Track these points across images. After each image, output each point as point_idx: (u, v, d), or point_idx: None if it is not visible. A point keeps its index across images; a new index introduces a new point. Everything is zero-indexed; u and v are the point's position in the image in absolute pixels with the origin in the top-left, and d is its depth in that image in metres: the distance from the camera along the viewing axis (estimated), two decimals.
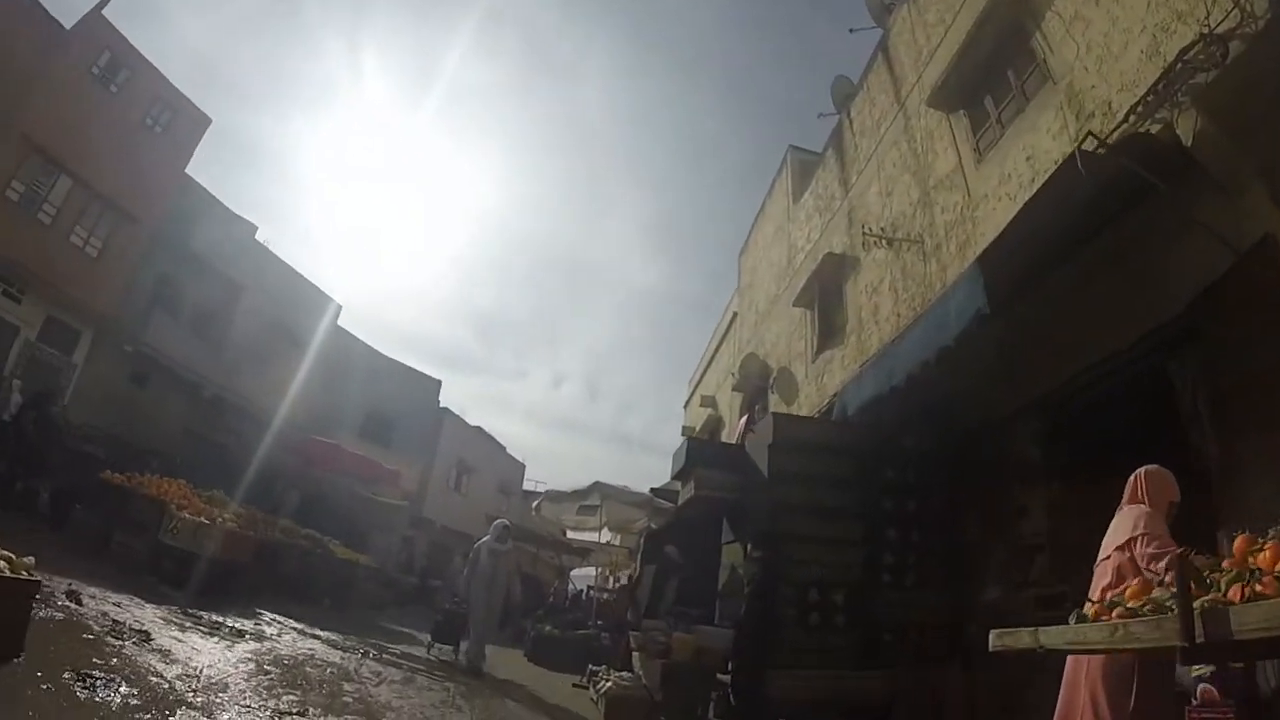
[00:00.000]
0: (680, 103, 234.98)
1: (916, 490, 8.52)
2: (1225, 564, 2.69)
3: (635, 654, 10.50)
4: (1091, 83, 6.42)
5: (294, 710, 5.29)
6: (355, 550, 17.88)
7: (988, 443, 7.70)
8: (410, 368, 33.14)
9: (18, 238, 16.71)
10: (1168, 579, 2.90)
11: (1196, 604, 2.48)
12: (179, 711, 4.38)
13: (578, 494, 16.77)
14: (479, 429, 36.48)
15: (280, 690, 5.80)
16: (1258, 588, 2.47)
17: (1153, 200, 5.53)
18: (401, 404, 30.80)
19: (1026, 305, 6.62)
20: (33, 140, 16.98)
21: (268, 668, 6.53)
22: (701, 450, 11.76)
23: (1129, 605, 2.94)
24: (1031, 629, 3.46)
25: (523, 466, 40.05)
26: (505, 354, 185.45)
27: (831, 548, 8.23)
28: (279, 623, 9.70)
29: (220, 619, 8.27)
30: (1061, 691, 3.88)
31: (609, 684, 9.43)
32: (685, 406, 24.09)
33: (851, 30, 12.89)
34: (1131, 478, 4.11)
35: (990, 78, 8.43)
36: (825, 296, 12.40)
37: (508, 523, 11.93)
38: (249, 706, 5.01)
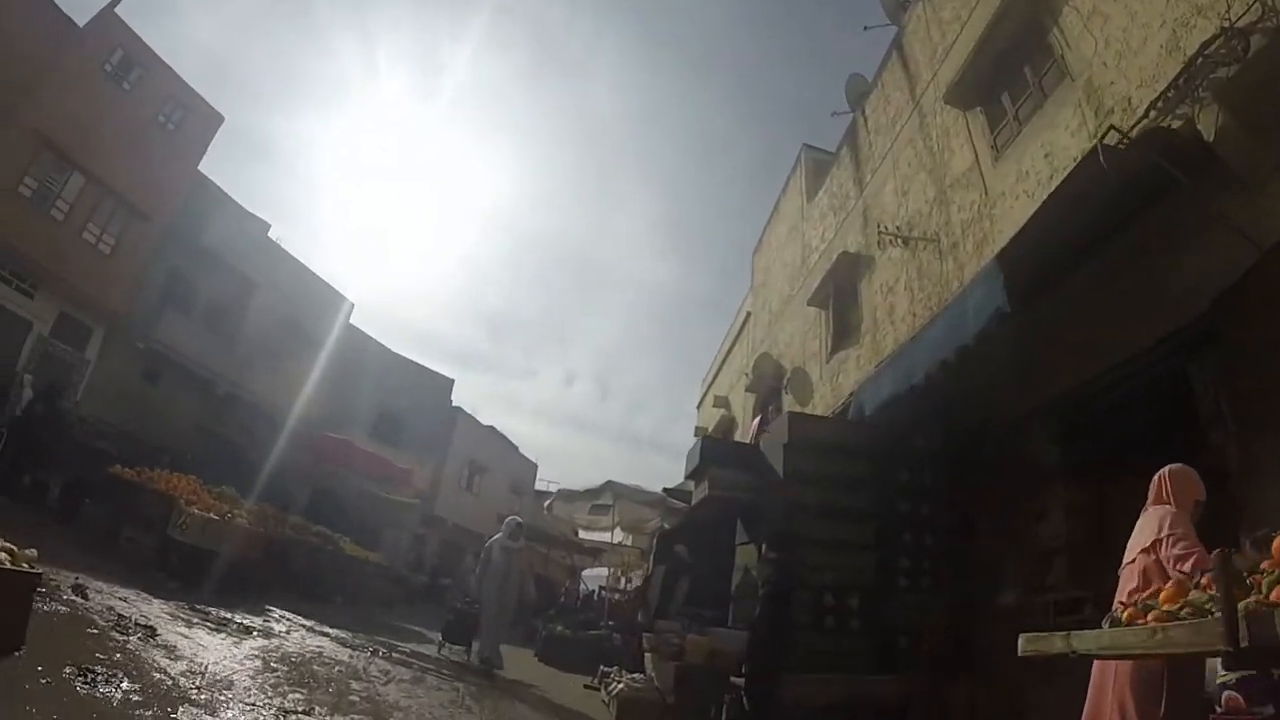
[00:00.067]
0: (690, 100, 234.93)
1: (932, 492, 8.46)
2: (1265, 565, 2.59)
3: (647, 655, 10.42)
4: (1110, 78, 6.34)
5: (299, 709, 5.21)
6: (366, 548, 17.90)
7: (1004, 443, 7.60)
8: (423, 366, 33.12)
9: (30, 234, 16.82)
10: (1204, 580, 2.80)
11: (1240, 606, 2.39)
12: (181, 708, 4.31)
13: (590, 493, 16.73)
14: (491, 428, 36.42)
15: (286, 688, 5.73)
16: None
17: (1172, 198, 5.46)
18: (414, 402, 30.76)
19: (1045, 303, 6.53)
20: (45, 137, 17.07)
21: (274, 665, 6.47)
22: (716, 450, 11.66)
23: (1164, 608, 2.84)
24: (1064, 633, 3.36)
25: (535, 466, 40.00)
26: (515, 352, 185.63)
27: (846, 550, 8.17)
28: (287, 619, 9.65)
29: (228, 615, 8.23)
30: (1088, 697, 3.78)
31: (621, 686, 9.34)
32: (698, 407, 24.01)
33: (866, 27, 12.85)
34: (1155, 478, 4.02)
35: (1007, 74, 8.34)
36: (840, 296, 12.30)
37: (520, 520, 11.85)
38: (253, 704, 4.94)
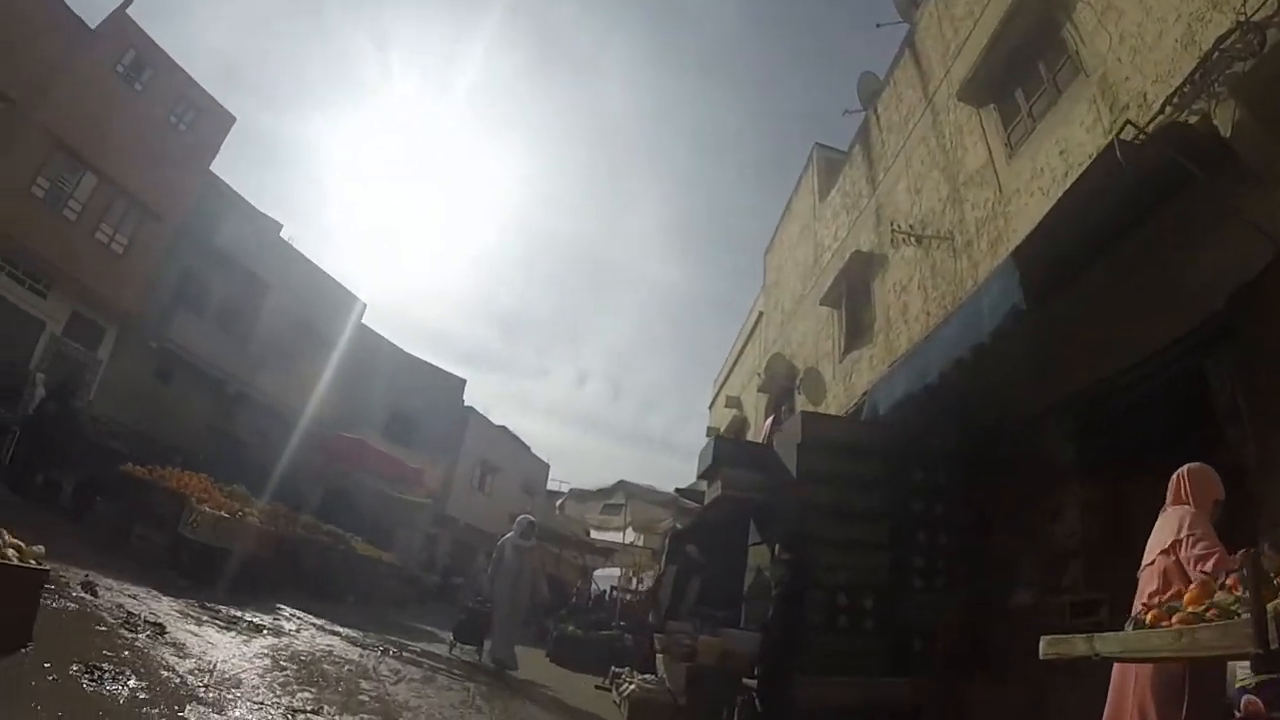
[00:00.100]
0: (701, 98, 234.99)
1: (945, 492, 8.41)
2: None
3: (659, 656, 10.38)
4: (1125, 74, 6.27)
5: (308, 708, 5.19)
6: (378, 547, 17.90)
7: (1020, 441, 7.53)
8: (435, 366, 33.01)
9: (43, 234, 16.89)
10: (1229, 581, 2.74)
11: (1270, 607, 2.33)
12: (189, 706, 4.28)
13: (602, 493, 16.79)
14: (503, 428, 36.32)
15: (295, 687, 5.70)
16: None
17: (1189, 193, 5.39)
18: (426, 402, 30.69)
19: (1061, 300, 6.46)
20: (58, 137, 17.13)
21: (284, 664, 6.44)
22: (728, 449, 11.63)
23: (1189, 610, 2.78)
24: (1086, 635, 3.31)
25: (547, 466, 39.82)
26: (527, 351, 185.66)
27: (860, 550, 8.13)
28: (298, 618, 9.64)
29: (238, 613, 8.21)
30: (1109, 701, 3.72)
31: (632, 686, 9.30)
32: (710, 407, 23.98)
33: (879, 24, 12.77)
34: (1174, 477, 3.95)
35: (1021, 70, 8.27)
36: (853, 295, 12.25)
37: (533, 518, 11.81)
38: (261, 703, 4.91)
